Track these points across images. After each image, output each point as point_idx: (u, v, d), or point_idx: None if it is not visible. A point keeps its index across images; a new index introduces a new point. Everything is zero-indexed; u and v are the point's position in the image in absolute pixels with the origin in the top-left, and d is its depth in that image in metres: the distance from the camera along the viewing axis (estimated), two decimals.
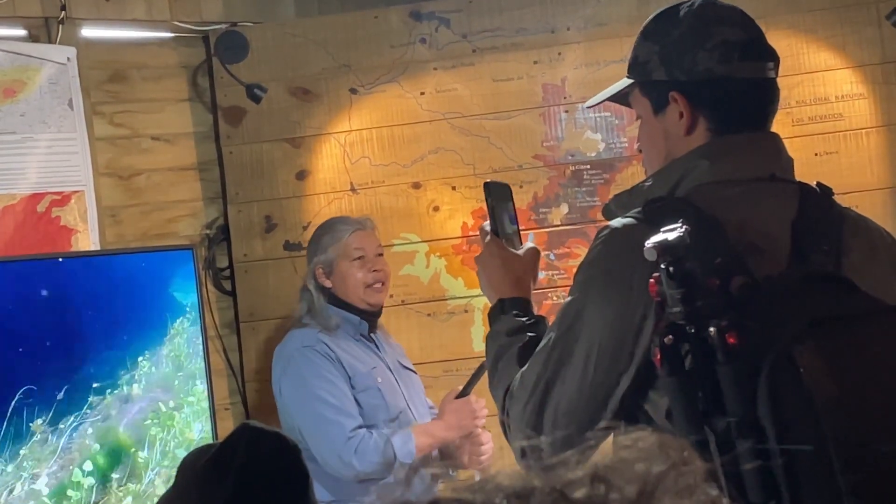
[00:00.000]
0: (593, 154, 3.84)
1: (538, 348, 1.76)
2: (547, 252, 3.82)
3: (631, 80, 1.86)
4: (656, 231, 1.50)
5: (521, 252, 2.00)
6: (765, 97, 1.80)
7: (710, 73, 1.74)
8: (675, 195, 1.72)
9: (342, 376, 3.29)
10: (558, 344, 1.72)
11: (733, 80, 1.75)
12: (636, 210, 1.70)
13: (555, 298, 3.77)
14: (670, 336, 1.43)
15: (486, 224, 2.04)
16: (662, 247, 1.43)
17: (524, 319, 1.89)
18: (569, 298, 1.75)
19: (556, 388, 1.71)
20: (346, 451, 3.15)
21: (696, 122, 1.77)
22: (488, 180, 2.09)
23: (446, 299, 3.89)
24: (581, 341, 1.70)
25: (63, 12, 3.63)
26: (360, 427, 3.22)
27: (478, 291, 3.82)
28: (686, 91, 1.77)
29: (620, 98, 1.92)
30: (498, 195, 2.07)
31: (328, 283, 3.42)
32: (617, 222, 1.72)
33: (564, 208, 3.84)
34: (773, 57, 1.81)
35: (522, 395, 1.75)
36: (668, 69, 1.78)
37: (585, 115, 3.83)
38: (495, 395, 1.88)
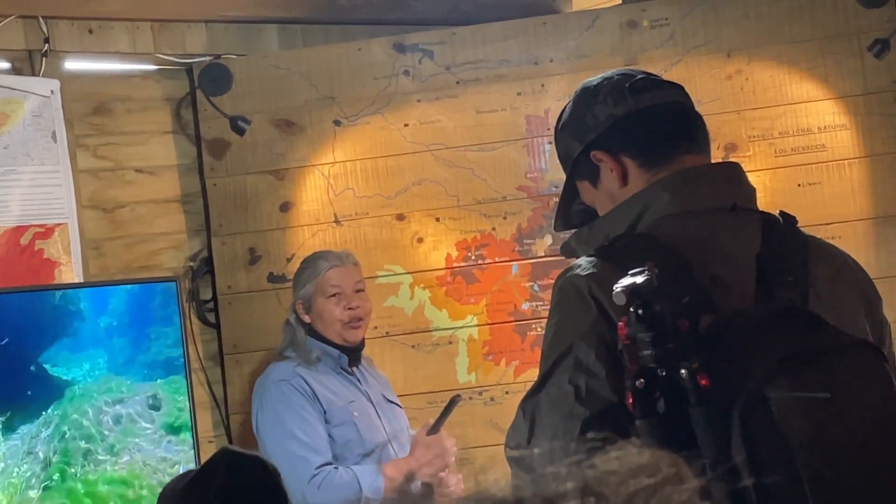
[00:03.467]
0: None
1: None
2: (531, 283, 3.83)
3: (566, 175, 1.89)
4: (618, 272, 1.49)
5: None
6: (681, 121, 1.81)
7: (613, 119, 1.78)
8: (636, 229, 1.71)
9: (316, 411, 3.28)
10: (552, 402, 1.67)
11: (637, 114, 1.77)
12: (598, 248, 1.69)
13: (538, 330, 3.77)
14: (641, 380, 1.42)
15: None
16: (630, 290, 1.42)
17: None
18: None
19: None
20: (310, 487, 3.13)
21: (625, 167, 1.78)
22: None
23: (430, 331, 3.87)
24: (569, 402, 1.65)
25: (46, 45, 3.64)
26: (327, 464, 3.20)
27: (462, 323, 3.84)
28: (603, 145, 1.79)
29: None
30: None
31: (307, 319, 3.42)
32: (573, 268, 1.69)
33: (548, 239, 3.83)
34: (669, 86, 1.84)
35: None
36: (579, 139, 1.82)
37: None
38: None
